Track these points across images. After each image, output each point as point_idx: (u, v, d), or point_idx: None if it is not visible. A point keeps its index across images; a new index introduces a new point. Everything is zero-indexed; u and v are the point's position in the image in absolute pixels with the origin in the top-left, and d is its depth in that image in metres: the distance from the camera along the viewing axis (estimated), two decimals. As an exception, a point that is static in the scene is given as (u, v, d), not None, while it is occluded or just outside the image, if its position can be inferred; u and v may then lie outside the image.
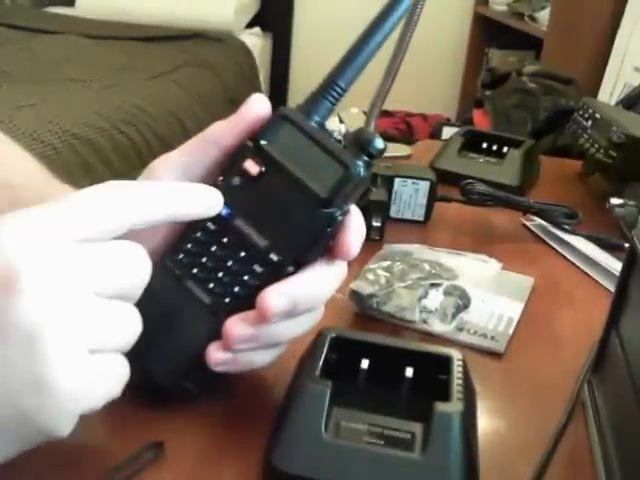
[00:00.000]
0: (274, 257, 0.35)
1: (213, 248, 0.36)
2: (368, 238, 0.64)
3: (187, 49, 2.52)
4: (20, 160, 0.46)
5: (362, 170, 0.34)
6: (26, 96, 1.81)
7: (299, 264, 0.35)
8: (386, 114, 2.66)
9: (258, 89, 2.75)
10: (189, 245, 0.36)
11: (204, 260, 0.36)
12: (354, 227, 0.36)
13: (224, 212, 0.35)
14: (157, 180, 0.36)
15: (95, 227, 0.29)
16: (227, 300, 0.36)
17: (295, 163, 0.34)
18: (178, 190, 0.33)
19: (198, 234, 0.36)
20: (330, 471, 0.33)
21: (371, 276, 0.53)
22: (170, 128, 1.99)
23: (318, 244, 0.35)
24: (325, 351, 0.38)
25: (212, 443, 0.38)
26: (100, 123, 1.78)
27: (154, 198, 0.32)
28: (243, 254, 0.35)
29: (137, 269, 0.31)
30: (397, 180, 0.68)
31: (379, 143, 0.35)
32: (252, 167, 0.35)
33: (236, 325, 0.35)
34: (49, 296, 0.27)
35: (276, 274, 0.35)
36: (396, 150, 0.98)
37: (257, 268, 0.35)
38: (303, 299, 0.35)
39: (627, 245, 0.40)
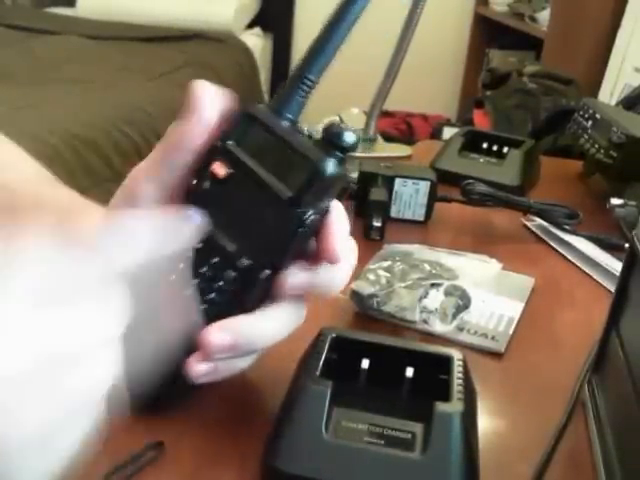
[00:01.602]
0: (245, 262, 0.33)
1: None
2: (368, 238, 0.65)
3: (187, 49, 2.52)
4: (21, 163, 0.46)
5: (332, 166, 0.32)
6: (27, 96, 1.81)
7: (276, 268, 0.34)
8: (386, 114, 2.66)
9: (258, 89, 2.75)
10: None
11: None
12: (334, 226, 0.34)
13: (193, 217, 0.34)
14: (139, 197, 0.35)
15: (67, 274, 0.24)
16: (203, 307, 0.34)
17: (262, 163, 0.33)
18: (158, 227, 0.29)
19: None
20: (330, 471, 0.33)
21: (371, 276, 0.53)
22: (170, 128, 1.99)
23: (291, 246, 0.34)
24: (325, 351, 0.38)
25: (212, 443, 0.38)
26: (101, 123, 1.79)
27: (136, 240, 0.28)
28: (215, 260, 0.34)
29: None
30: (397, 180, 0.68)
31: (349, 136, 0.33)
32: (220, 169, 0.34)
33: (213, 334, 0.33)
34: None
35: (251, 279, 0.34)
36: (396, 150, 0.99)
37: (230, 273, 0.34)
38: (250, 339, 0.34)
39: (627, 245, 0.40)
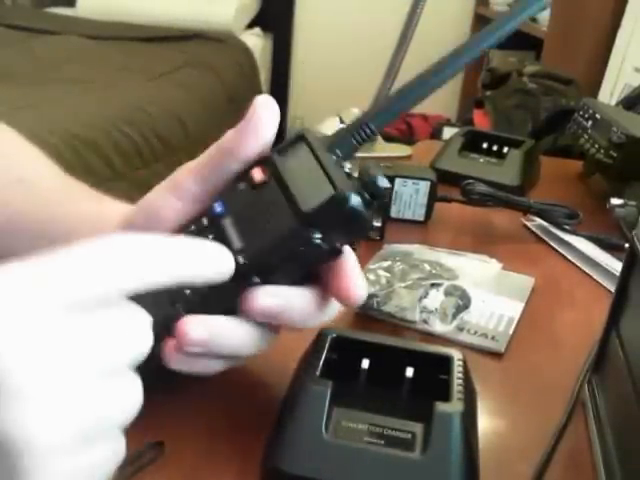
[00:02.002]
0: (240, 259, 0.34)
1: None
2: (368, 238, 0.65)
3: (188, 49, 2.52)
4: (34, 159, 0.47)
5: (355, 200, 0.33)
6: (27, 96, 1.81)
7: (265, 278, 0.34)
8: (386, 114, 2.66)
9: (258, 89, 2.75)
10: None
11: None
12: (350, 270, 0.35)
13: (218, 209, 0.35)
14: (183, 190, 0.36)
15: (89, 294, 0.26)
16: (188, 293, 0.34)
17: (295, 179, 0.34)
18: (186, 252, 0.30)
19: (192, 227, 0.36)
20: (331, 471, 0.33)
21: (371, 276, 0.53)
22: (171, 128, 1.99)
23: (286, 262, 0.34)
24: (325, 351, 0.38)
25: (212, 443, 0.38)
26: (101, 123, 1.79)
27: (159, 262, 0.28)
28: None
29: (135, 341, 0.27)
30: (397, 180, 0.68)
31: (383, 182, 0.34)
32: (257, 174, 0.35)
33: (188, 324, 0.33)
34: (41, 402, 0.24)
35: (242, 281, 0.34)
36: (396, 150, 0.99)
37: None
38: (223, 341, 0.34)
39: (627, 245, 0.40)
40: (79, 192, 0.44)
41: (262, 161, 0.36)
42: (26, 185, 0.43)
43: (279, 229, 0.34)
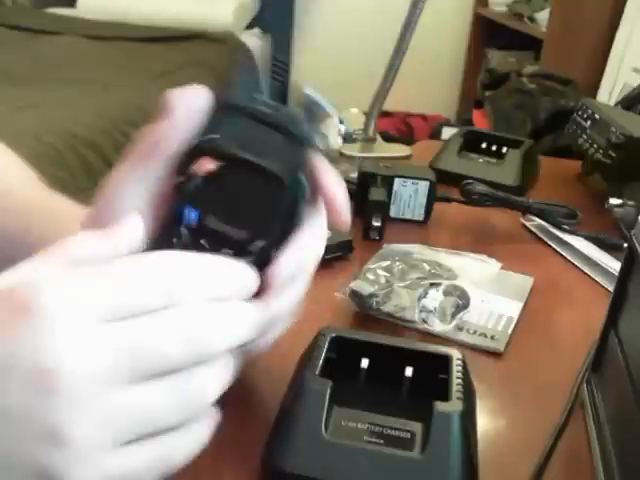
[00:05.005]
0: (254, 247, 0.34)
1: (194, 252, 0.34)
2: (368, 238, 0.65)
3: (188, 49, 2.52)
4: (12, 169, 0.46)
5: (315, 138, 0.34)
6: (27, 96, 1.81)
7: (278, 246, 0.35)
8: (386, 114, 2.66)
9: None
10: None
11: None
12: (324, 168, 0.35)
13: (192, 215, 0.34)
14: (124, 201, 0.34)
15: (136, 305, 0.28)
16: None
17: (248, 150, 0.34)
18: (221, 269, 0.31)
19: (174, 241, 0.34)
20: (330, 470, 0.33)
21: (371, 276, 0.53)
22: (170, 128, 1.99)
23: (293, 216, 0.35)
24: (325, 351, 0.38)
25: (212, 443, 0.38)
26: (101, 123, 1.78)
27: (199, 275, 0.30)
28: (228, 251, 0.34)
29: (183, 349, 0.28)
30: (397, 180, 0.69)
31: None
32: (207, 164, 0.34)
33: (277, 266, 0.33)
34: (85, 401, 0.26)
35: (266, 259, 0.34)
36: (396, 150, 0.99)
37: (227, 251, 0.34)
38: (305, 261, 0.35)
39: (626, 245, 0.40)
40: (56, 201, 0.44)
41: (199, 148, 0.34)
42: (2, 195, 0.43)
43: (268, 201, 0.34)
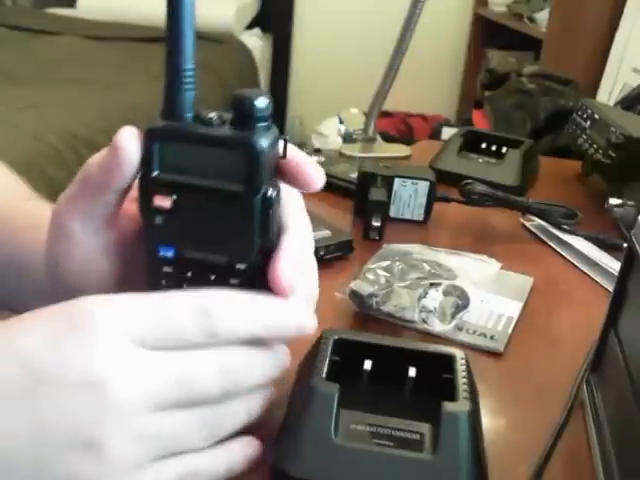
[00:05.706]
0: (241, 267, 0.34)
1: (184, 285, 0.34)
2: (368, 238, 0.65)
3: (187, 50, 2.52)
4: None
5: (263, 141, 0.32)
6: (27, 97, 1.81)
7: (267, 254, 0.34)
8: (386, 114, 2.66)
9: (258, 90, 2.75)
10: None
11: None
12: (286, 252, 0.34)
13: (168, 253, 0.34)
14: (72, 236, 0.34)
15: (185, 341, 0.30)
16: None
17: (197, 174, 0.33)
18: (262, 309, 0.33)
19: (163, 282, 0.34)
20: (342, 474, 0.33)
21: (371, 276, 0.53)
22: (170, 129, 1.99)
23: (270, 228, 0.34)
24: (329, 353, 0.38)
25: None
26: (101, 124, 1.78)
27: (241, 317, 0.32)
28: (213, 277, 0.34)
29: (221, 387, 0.31)
30: (397, 180, 0.69)
31: (260, 102, 0.32)
32: (162, 201, 0.33)
33: (280, 269, 0.33)
34: (129, 419, 0.28)
35: (253, 276, 0.34)
36: (396, 150, 0.99)
37: (233, 281, 0.34)
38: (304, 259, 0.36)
39: (625, 245, 0.40)
40: (41, 209, 0.43)
41: (147, 186, 0.33)
42: None
43: (240, 219, 0.33)
